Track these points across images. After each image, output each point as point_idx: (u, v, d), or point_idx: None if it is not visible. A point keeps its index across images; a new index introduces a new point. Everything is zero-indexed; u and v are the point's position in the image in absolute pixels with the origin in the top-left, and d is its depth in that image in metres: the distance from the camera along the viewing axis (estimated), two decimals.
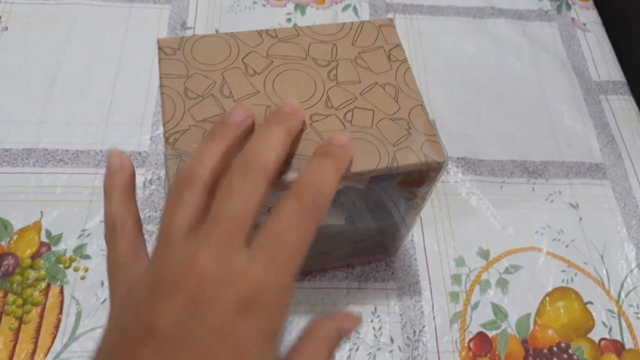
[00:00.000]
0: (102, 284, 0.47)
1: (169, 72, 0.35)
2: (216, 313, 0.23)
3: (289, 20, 0.64)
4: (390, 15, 0.65)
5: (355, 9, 0.66)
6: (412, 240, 0.50)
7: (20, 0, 0.62)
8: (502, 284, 0.49)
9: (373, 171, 0.33)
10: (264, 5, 0.65)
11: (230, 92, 0.35)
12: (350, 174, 0.32)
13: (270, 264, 0.25)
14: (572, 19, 0.68)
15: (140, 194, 0.50)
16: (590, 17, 0.69)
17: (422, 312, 0.47)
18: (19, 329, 0.45)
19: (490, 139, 0.57)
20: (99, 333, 0.45)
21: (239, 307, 0.24)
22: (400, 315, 0.47)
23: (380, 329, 0.46)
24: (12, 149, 0.52)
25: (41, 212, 0.49)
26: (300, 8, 0.65)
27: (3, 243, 0.48)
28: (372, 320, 0.46)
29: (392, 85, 0.36)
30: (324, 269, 0.47)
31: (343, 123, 0.34)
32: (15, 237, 0.48)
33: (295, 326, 0.45)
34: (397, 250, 0.48)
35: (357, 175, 0.32)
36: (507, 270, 0.50)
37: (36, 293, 0.46)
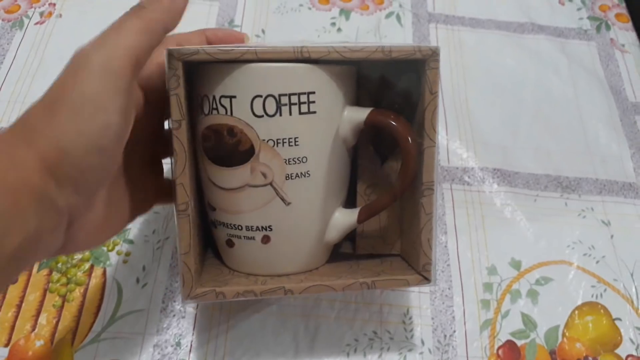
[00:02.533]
0: (144, 268, 0.48)
1: None
2: None
3: (333, 24, 0.65)
4: (432, 25, 0.67)
5: (398, 17, 0.67)
6: (445, 246, 0.51)
7: None
8: (533, 294, 0.50)
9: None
10: (309, 9, 0.66)
11: None
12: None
13: None
14: (611, 39, 0.69)
15: None
16: (629, 38, 0.70)
17: (453, 317, 0.48)
18: (62, 307, 0.46)
19: (527, 152, 0.58)
20: (137, 316, 0.46)
21: None
22: (432, 318, 0.48)
23: (411, 330, 0.47)
24: None
25: None
26: (345, 13, 0.66)
27: None
28: (404, 322, 0.47)
29: None
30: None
31: None
32: None
33: (329, 322, 0.47)
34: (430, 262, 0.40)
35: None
36: (537, 282, 0.50)
37: (80, 273, 0.48)
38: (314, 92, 0.35)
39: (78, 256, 0.49)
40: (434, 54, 0.35)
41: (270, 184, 0.36)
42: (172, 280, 0.48)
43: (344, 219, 0.40)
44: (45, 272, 0.47)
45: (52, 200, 0.27)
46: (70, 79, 0.28)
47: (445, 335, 0.47)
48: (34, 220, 0.26)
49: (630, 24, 0.71)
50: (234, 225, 0.38)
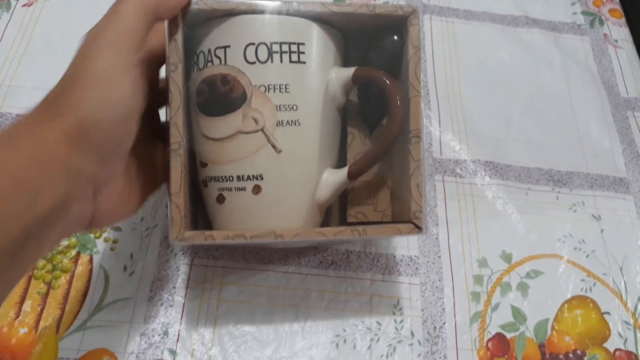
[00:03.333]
0: (132, 256, 0.47)
1: None
2: None
3: None
4: (426, 17, 0.66)
5: None
6: (436, 238, 0.51)
7: None
8: (523, 287, 0.50)
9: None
10: None
11: None
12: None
13: None
14: (604, 34, 0.69)
15: None
16: (622, 34, 0.70)
17: (443, 309, 0.48)
18: (47, 294, 0.45)
19: (519, 146, 0.58)
20: (124, 304, 0.45)
21: None
22: (422, 310, 0.47)
23: (401, 322, 0.47)
24: None
25: None
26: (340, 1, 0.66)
27: None
28: (394, 313, 0.47)
29: None
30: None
31: None
32: None
33: (319, 312, 0.46)
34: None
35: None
36: (528, 275, 0.50)
37: (66, 260, 0.47)
38: (303, 44, 0.37)
39: (64, 242, 0.48)
40: (415, 12, 0.38)
41: (262, 130, 0.36)
42: (160, 268, 0.47)
43: (334, 176, 0.40)
44: None
45: (77, 169, 0.30)
46: (85, 58, 0.31)
47: (435, 327, 0.47)
48: (62, 187, 0.29)
49: (623, 20, 0.71)
50: (225, 177, 0.37)
